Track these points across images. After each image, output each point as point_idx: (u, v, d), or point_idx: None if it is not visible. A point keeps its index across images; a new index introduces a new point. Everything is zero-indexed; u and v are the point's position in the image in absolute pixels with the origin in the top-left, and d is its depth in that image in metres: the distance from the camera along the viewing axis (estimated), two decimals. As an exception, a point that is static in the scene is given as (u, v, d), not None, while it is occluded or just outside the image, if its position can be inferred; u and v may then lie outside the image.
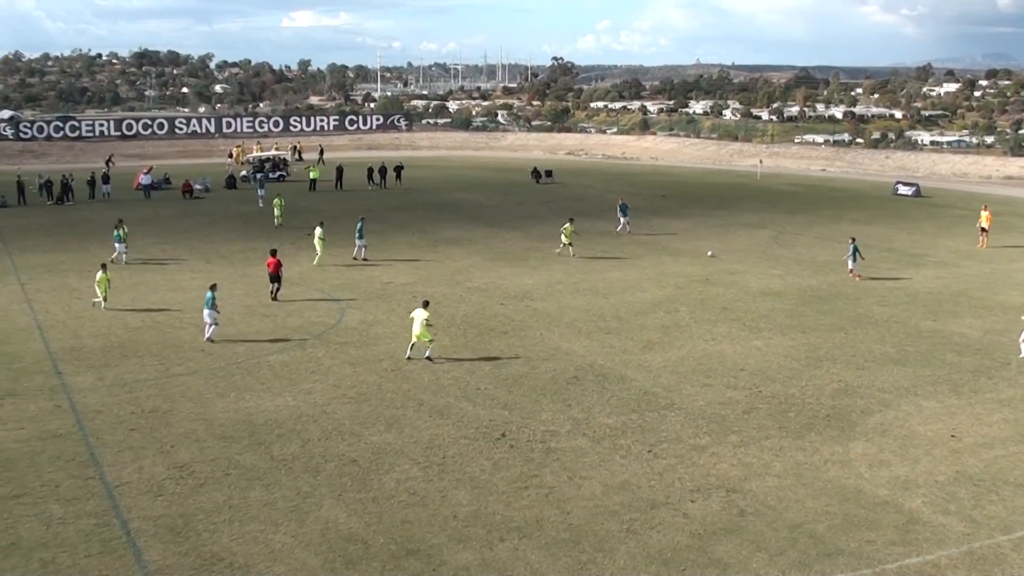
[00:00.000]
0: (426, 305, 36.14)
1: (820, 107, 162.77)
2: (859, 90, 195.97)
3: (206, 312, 37.71)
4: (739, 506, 24.16)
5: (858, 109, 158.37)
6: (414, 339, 35.54)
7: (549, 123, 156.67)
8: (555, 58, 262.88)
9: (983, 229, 60.77)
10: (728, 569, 21.17)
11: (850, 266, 50.78)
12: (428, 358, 35.33)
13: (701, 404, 31.50)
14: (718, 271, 52.30)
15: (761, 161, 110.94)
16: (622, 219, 63.36)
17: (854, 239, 51.72)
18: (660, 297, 46.10)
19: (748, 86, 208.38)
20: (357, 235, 53.65)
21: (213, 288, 38.23)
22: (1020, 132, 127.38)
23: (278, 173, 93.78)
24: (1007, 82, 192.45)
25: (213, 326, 37.63)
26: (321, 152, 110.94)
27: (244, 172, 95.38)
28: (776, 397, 32.31)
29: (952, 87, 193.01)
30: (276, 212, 66.17)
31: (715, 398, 32.12)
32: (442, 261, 54.25)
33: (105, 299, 42.56)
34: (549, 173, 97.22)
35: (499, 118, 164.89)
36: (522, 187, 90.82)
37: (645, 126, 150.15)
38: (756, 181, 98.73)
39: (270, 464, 26.27)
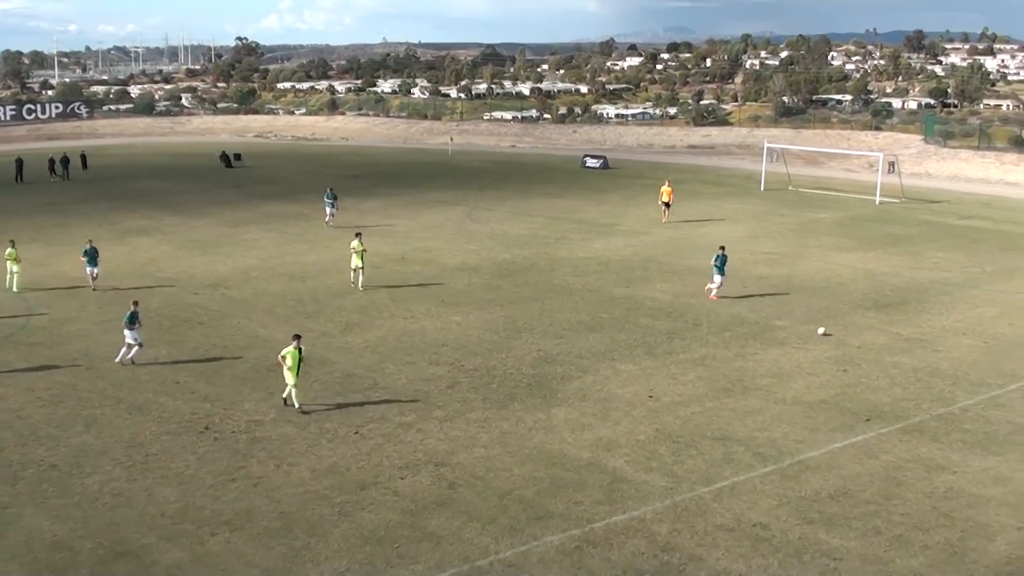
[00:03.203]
0: (297, 339, 29.76)
1: (508, 84, 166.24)
2: (545, 67, 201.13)
3: (128, 332, 33.03)
4: (448, 479, 24.62)
5: (544, 85, 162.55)
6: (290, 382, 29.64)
7: (236, 105, 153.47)
8: (239, 38, 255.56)
9: (666, 204, 62.32)
10: (442, 541, 21.58)
11: (714, 279, 42.30)
12: (284, 400, 29.79)
13: (404, 382, 31.85)
14: (413, 249, 52.75)
15: (452, 139, 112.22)
16: (329, 210, 60.76)
17: (723, 247, 43.11)
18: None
19: (436, 64, 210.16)
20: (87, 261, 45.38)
21: (136, 304, 33.64)
22: (701, 103, 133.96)
23: None
24: (687, 55, 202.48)
25: (136, 347, 33.17)
26: None
27: None
28: (478, 370, 33.02)
29: (635, 61, 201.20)
30: None
31: (418, 375, 32.53)
32: (131, 252, 52.36)
33: None
34: (239, 157, 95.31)
35: (183, 102, 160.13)
36: (211, 172, 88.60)
37: (334, 106, 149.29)
38: (448, 158, 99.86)
39: (-39, 477, 24.95)
